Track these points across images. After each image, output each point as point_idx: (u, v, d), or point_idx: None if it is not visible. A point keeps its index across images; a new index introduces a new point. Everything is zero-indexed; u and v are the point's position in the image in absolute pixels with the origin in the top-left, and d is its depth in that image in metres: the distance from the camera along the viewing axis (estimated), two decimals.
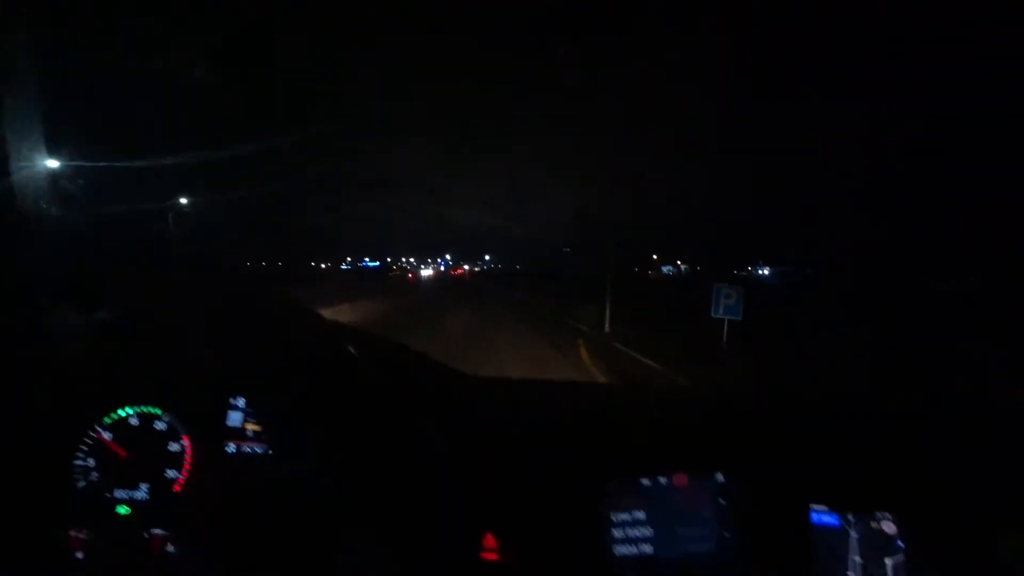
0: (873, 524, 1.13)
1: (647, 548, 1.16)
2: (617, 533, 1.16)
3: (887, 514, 1.13)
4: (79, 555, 1.09)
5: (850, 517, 1.14)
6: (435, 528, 1.13)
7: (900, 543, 1.10)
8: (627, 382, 7.43)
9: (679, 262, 70.92)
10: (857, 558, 1.11)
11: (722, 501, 1.18)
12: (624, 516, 1.17)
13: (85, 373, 1.23)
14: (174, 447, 1.19)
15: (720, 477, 1.20)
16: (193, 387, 1.25)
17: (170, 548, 1.12)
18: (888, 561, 1.09)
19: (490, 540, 1.13)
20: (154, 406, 1.22)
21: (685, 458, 1.23)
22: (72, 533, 1.09)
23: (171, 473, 1.19)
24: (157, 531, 1.12)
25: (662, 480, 1.20)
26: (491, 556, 1.12)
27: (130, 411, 1.21)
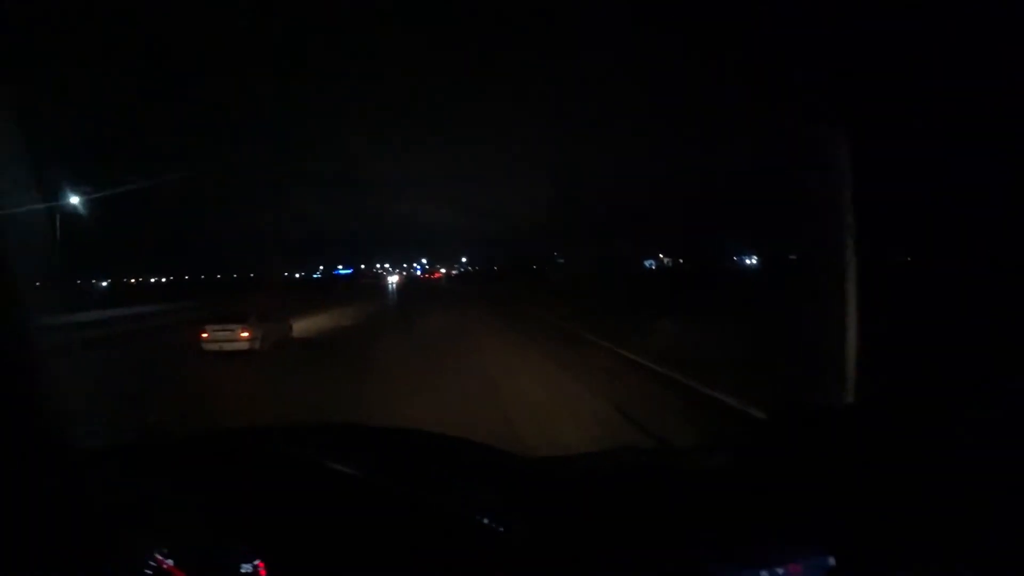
0: None
1: None
2: None
3: None
4: None
5: None
6: None
7: None
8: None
9: (661, 255, 70.14)
10: None
11: None
12: None
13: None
14: (246, 568, 1.08)
15: (831, 561, 1.11)
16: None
17: None
18: None
19: None
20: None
21: (787, 537, 1.12)
22: None
23: None
24: None
25: (779, 571, 1.10)
26: None
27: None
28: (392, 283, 71.79)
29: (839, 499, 1.17)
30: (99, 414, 5.92)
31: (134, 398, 8.09)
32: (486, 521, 1.09)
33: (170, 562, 1.06)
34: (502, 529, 1.08)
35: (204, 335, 12.23)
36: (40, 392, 1.17)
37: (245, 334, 12.11)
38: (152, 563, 1.06)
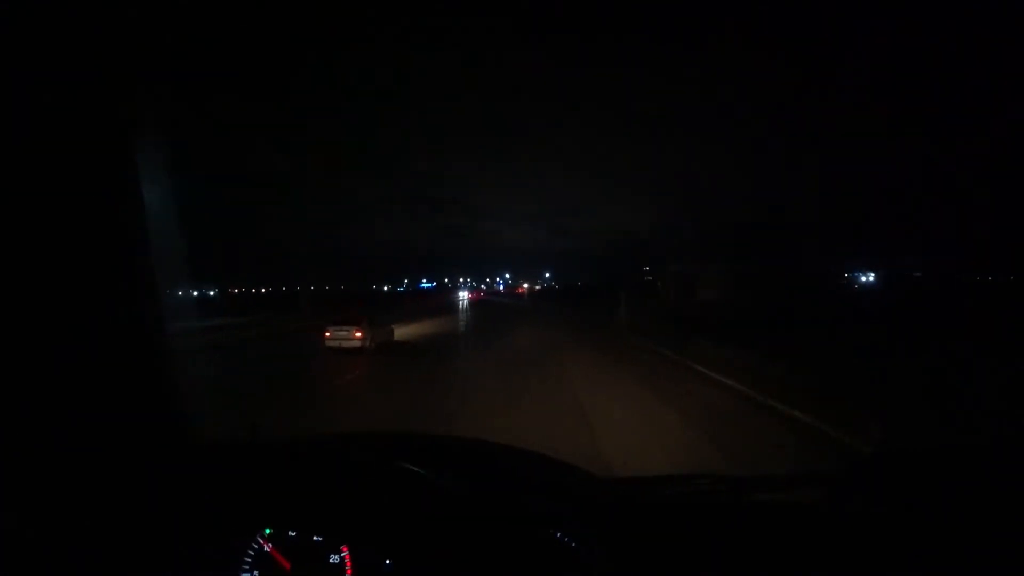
0: None
1: None
2: None
3: None
4: None
5: None
6: None
7: None
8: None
9: None
10: None
11: None
12: None
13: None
14: (334, 559, 1.14)
15: None
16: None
17: None
18: None
19: None
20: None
21: None
22: None
23: None
24: None
25: None
26: None
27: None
28: (463, 299, 54.27)
29: (932, 546, 1.02)
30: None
31: (296, 374, 11.77)
32: (559, 535, 1.07)
33: (270, 546, 1.15)
34: (575, 544, 1.06)
35: (327, 334, 14.46)
36: (177, 386, 1.31)
37: (358, 335, 14.22)
38: (256, 545, 1.15)
